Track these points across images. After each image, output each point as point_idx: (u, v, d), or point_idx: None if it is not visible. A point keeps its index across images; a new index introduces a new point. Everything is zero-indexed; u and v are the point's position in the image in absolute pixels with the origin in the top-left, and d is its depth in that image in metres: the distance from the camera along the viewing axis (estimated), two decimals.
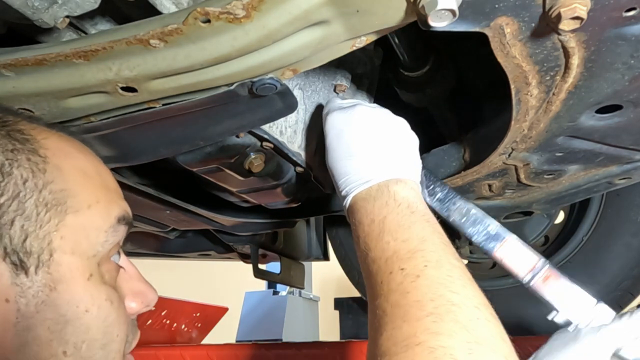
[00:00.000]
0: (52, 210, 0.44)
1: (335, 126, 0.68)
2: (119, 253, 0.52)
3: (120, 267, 0.52)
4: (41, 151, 0.46)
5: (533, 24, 0.50)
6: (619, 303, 1.20)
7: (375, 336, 0.51)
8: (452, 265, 0.53)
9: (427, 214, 0.60)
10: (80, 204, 0.46)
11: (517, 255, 0.74)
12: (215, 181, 0.85)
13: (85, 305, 0.45)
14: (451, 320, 0.47)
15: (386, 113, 0.70)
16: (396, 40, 0.75)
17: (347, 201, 0.65)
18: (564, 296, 0.71)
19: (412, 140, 0.70)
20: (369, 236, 0.59)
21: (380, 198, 0.61)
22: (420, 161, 0.69)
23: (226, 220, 1.10)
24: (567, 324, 0.71)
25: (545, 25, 0.49)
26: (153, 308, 0.55)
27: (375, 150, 0.65)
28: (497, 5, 0.48)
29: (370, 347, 0.52)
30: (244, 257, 1.58)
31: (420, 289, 0.51)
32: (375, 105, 0.72)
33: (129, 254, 1.54)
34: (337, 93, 0.87)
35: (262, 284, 2.92)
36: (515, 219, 1.06)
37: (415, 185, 0.64)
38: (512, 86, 0.59)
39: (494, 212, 0.99)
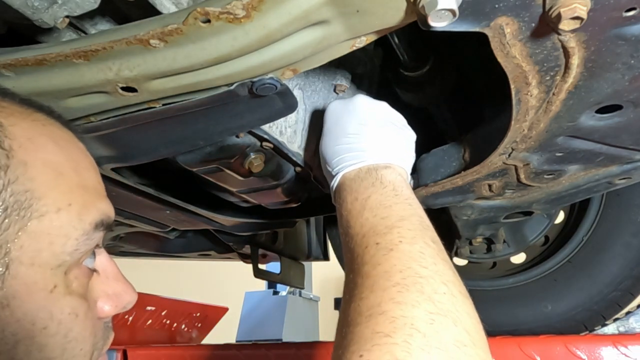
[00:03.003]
0: (12, 215, 0.38)
1: (334, 112, 0.71)
2: (93, 253, 0.47)
3: (94, 270, 0.47)
4: (6, 142, 0.40)
5: (533, 24, 0.50)
6: (619, 303, 1.20)
7: (344, 308, 0.51)
8: (426, 243, 0.53)
9: (411, 198, 0.61)
10: (48, 208, 0.40)
11: None
12: (215, 181, 0.85)
13: (43, 322, 0.40)
14: (417, 291, 0.47)
15: (385, 105, 0.72)
16: (396, 40, 0.75)
17: (336, 180, 0.66)
18: None
19: (408, 134, 0.72)
20: (350, 213, 0.60)
21: (367, 179, 0.63)
22: (414, 154, 0.71)
23: (226, 220, 1.10)
24: None
25: (545, 25, 0.49)
26: (127, 309, 0.51)
27: (369, 134, 0.67)
28: (497, 5, 0.48)
29: (338, 320, 0.52)
30: (244, 257, 1.58)
31: (390, 261, 0.51)
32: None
33: (129, 254, 1.54)
34: (337, 93, 0.87)
35: (262, 284, 2.92)
36: (515, 219, 1.06)
37: (404, 172, 0.66)
38: (512, 86, 0.59)
39: (494, 212, 0.99)
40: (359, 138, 0.66)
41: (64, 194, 0.42)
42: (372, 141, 0.66)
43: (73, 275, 0.43)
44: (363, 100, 0.71)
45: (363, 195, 0.60)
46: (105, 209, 0.46)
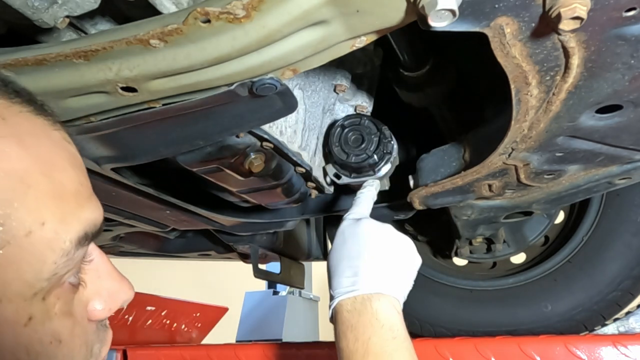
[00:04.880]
0: None
1: (343, 232, 0.74)
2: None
3: (79, 284, 0.40)
4: None
5: (533, 24, 0.50)
6: (618, 303, 1.20)
7: None
8: None
9: (407, 340, 0.64)
10: (14, 232, 0.33)
11: None
12: (215, 181, 0.85)
13: None
14: None
15: (389, 229, 0.73)
16: (396, 40, 0.75)
17: (333, 304, 0.68)
18: None
19: (411, 260, 0.73)
20: (353, 355, 0.62)
21: (364, 314, 0.65)
22: (412, 282, 0.73)
23: (226, 220, 1.10)
24: None
25: (545, 25, 0.49)
26: (124, 307, 0.46)
27: (366, 260, 0.69)
28: (497, 5, 0.48)
29: None
30: (244, 257, 1.58)
31: None
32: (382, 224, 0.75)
33: (129, 254, 1.55)
34: (337, 93, 0.87)
35: (262, 284, 2.92)
36: (515, 219, 1.06)
37: (397, 303, 0.68)
38: (512, 86, 0.59)
39: (494, 212, 0.99)
40: (357, 263, 0.69)
41: (34, 211, 0.34)
42: (368, 268, 0.68)
43: (54, 297, 0.36)
44: (367, 225, 0.73)
45: (364, 337, 0.63)
46: (89, 217, 0.38)
